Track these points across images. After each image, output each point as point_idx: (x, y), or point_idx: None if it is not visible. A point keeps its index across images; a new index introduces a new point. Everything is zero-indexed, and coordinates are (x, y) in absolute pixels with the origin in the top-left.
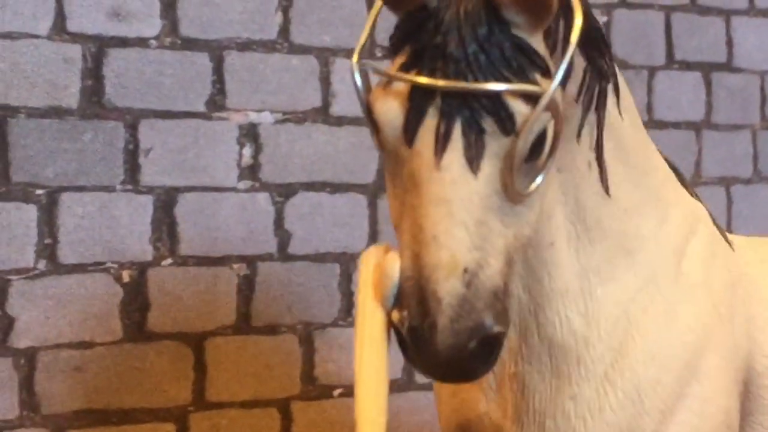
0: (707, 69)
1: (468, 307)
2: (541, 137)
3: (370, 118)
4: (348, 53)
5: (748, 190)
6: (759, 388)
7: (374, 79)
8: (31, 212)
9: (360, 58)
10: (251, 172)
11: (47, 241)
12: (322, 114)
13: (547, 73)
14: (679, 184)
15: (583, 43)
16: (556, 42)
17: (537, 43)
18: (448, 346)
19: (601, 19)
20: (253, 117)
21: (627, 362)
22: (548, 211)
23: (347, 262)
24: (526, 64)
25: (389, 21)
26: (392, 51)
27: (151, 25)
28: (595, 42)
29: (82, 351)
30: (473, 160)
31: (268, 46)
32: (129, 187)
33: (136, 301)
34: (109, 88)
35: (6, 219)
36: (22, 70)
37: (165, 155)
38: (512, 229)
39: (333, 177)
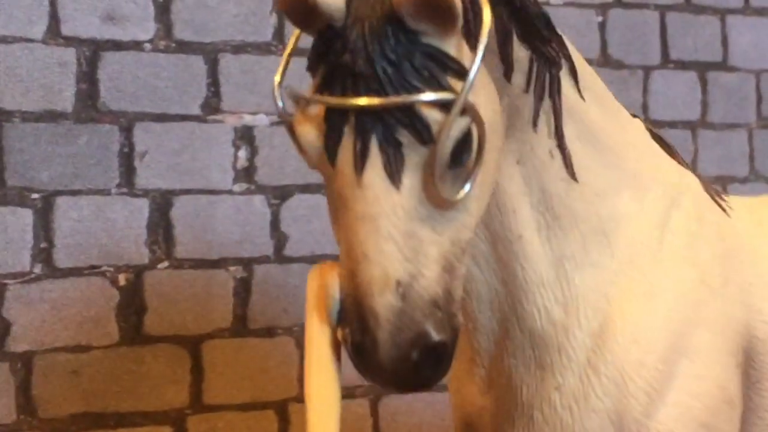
0: (703, 68)
1: (406, 319)
2: (463, 142)
3: (295, 141)
4: None
5: (744, 189)
6: (763, 355)
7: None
8: (26, 216)
9: (281, 82)
10: (247, 174)
11: (43, 245)
12: None
13: (462, 76)
14: (662, 155)
15: (523, 34)
16: (477, 40)
17: (453, 46)
18: (392, 358)
19: (596, 19)
20: (248, 119)
21: (608, 347)
22: (512, 204)
23: None
24: (437, 71)
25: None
26: (310, 72)
27: (146, 29)
28: (537, 31)
29: (79, 354)
30: (394, 174)
31: (262, 49)
32: (124, 190)
33: (132, 304)
34: (104, 91)
35: (1, 223)
36: (16, 74)
37: (160, 158)
38: (446, 235)
39: None
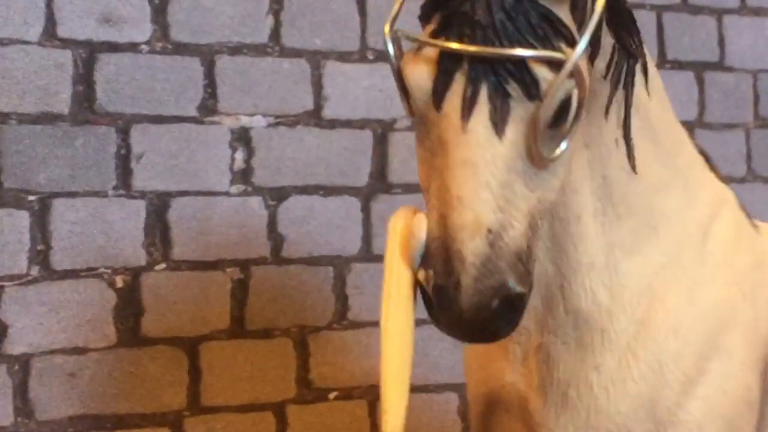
0: (700, 68)
1: (491, 267)
2: (565, 104)
3: (401, 84)
4: (340, 56)
5: (742, 188)
6: None
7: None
8: (23, 218)
9: (392, 26)
10: (244, 176)
11: (40, 247)
12: (315, 117)
13: (573, 43)
14: (705, 168)
15: (612, 21)
16: (583, 15)
17: (563, 13)
18: (472, 304)
19: None
20: (245, 121)
21: (650, 335)
22: (575, 185)
23: (341, 266)
24: (551, 33)
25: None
26: (423, 19)
27: (142, 30)
28: (624, 23)
29: (76, 357)
30: (498, 124)
31: (259, 50)
32: (121, 192)
33: (129, 306)
34: (101, 93)
35: None
36: (13, 77)
37: (157, 160)
38: (536, 193)
39: (326, 180)
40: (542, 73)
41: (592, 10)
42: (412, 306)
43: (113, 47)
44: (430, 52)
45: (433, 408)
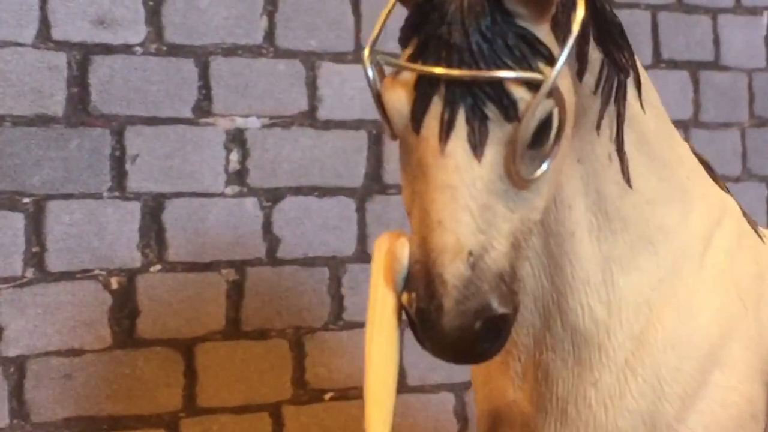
0: (694, 68)
1: (473, 289)
2: (545, 124)
3: (380, 108)
4: (334, 57)
5: (737, 188)
6: None
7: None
8: (18, 220)
9: (372, 51)
10: (239, 177)
11: (35, 249)
12: (309, 118)
13: (552, 62)
14: (707, 177)
15: (599, 36)
16: (566, 32)
17: (542, 33)
18: (455, 327)
19: None
20: (240, 122)
21: (648, 350)
22: (569, 201)
23: (336, 266)
24: (528, 53)
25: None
26: (402, 42)
27: (136, 32)
28: (612, 36)
29: (72, 358)
30: (477, 146)
31: (253, 51)
32: (116, 193)
33: (125, 307)
34: (95, 95)
35: None
36: (7, 79)
37: (152, 162)
38: (518, 213)
39: (321, 181)
40: (520, 93)
41: (568, 30)
42: (396, 330)
43: (107, 49)
44: (408, 76)
45: (430, 408)
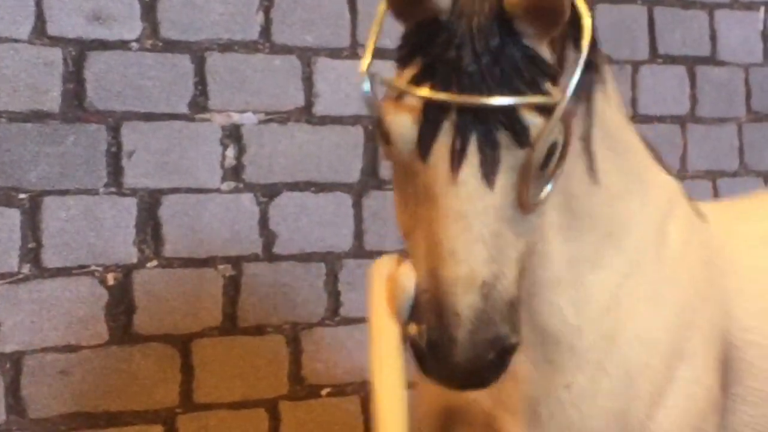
0: (691, 63)
1: (486, 320)
2: (553, 147)
3: (381, 131)
4: (330, 53)
5: (734, 183)
6: (735, 362)
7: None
8: (14, 217)
9: (368, 67)
10: (235, 173)
11: (31, 245)
12: (305, 114)
13: (556, 81)
14: (653, 161)
15: (575, 36)
16: (562, 47)
17: (544, 50)
18: (468, 358)
19: None
20: (236, 118)
21: (617, 348)
22: None
23: (333, 262)
24: (537, 75)
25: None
26: (401, 62)
27: (132, 28)
28: (583, 33)
29: (68, 354)
30: (489, 174)
31: (249, 47)
32: (112, 189)
33: (121, 303)
34: (91, 91)
35: None
36: (2, 75)
37: (148, 157)
38: (524, 238)
39: (317, 176)
40: (532, 119)
41: (575, 46)
42: (401, 361)
43: (103, 45)
44: (413, 100)
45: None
